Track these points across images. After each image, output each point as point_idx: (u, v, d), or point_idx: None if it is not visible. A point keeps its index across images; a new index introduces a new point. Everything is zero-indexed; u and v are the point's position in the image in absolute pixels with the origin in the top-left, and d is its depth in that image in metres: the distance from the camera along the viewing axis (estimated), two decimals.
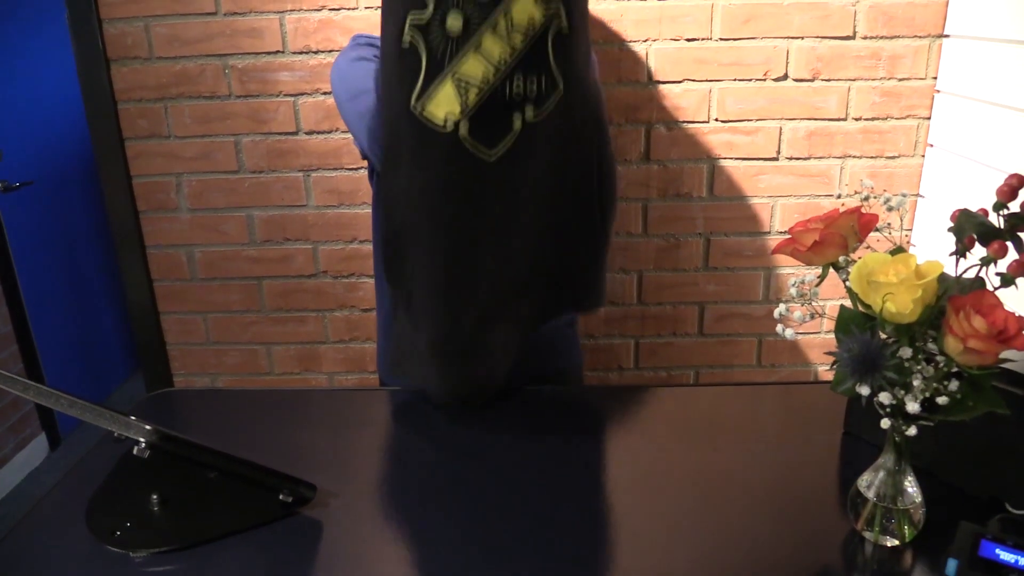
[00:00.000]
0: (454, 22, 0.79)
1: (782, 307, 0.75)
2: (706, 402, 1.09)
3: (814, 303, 0.75)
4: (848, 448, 0.96)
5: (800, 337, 1.95)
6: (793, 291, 0.75)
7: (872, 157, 1.82)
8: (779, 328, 0.75)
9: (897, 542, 0.77)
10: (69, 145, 3.05)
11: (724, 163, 1.82)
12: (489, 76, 0.78)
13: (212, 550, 0.79)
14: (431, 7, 0.80)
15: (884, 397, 0.68)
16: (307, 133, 1.79)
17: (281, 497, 0.84)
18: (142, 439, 0.70)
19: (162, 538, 0.81)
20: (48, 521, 0.87)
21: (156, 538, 0.81)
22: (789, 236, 0.79)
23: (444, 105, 0.79)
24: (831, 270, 0.76)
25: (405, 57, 0.80)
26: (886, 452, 0.77)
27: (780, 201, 1.85)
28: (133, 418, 0.69)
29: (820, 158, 1.82)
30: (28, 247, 2.83)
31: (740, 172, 1.83)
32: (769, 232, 1.87)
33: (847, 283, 0.72)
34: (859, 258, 0.71)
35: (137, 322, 1.96)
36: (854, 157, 1.82)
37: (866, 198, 0.76)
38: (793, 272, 1.88)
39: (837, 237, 0.73)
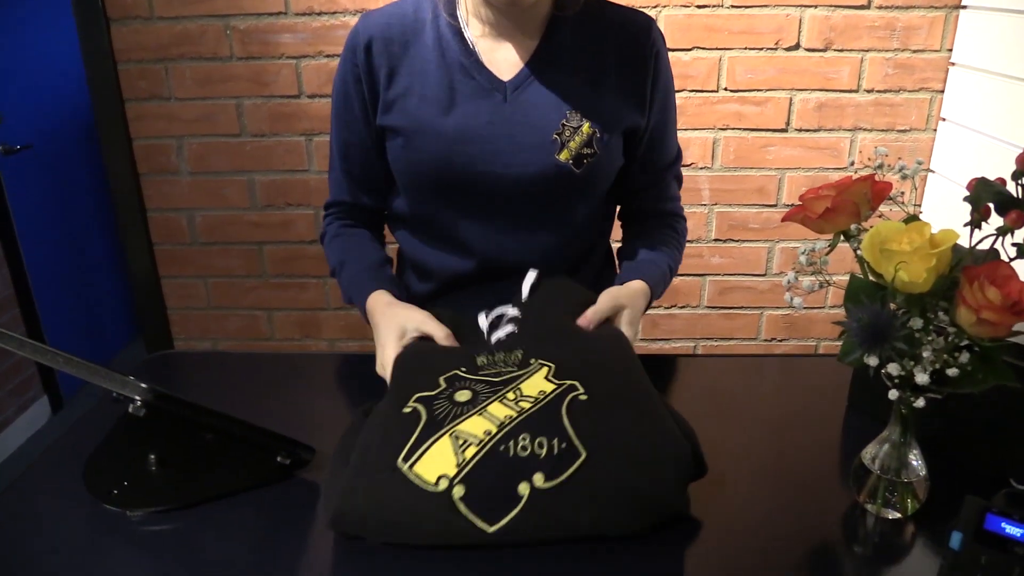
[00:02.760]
0: (463, 396, 0.75)
1: (791, 275, 0.73)
2: (708, 374, 1.08)
3: (823, 273, 0.74)
4: (851, 421, 0.95)
5: (804, 312, 1.94)
6: (803, 259, 0.73)
7: (883, 130, 1.79)
8: (787, 296, 0.74)
9: (899, 515, 0.76)
10: (70, 107, 3.01)
11: (732, 134, 1.79)
12: (492, 431, 0.69)
13: (208, 510, 0.79)
14: (442, 387, 0.77)
15: (893, 368, 0.66)
16: (309, 96, 1.77)
17: (279, 459, 0.83)
18: (138, 397, 0.69)
19: (158, 497, 0.80)
20: (46, 479, 0.86)
21: (152, 497, 0.80)
22: (799, 204, 0.77)
23: (438, 464, 0.67)
24: (842, 239, 0.75)
25: (402, 420, 0.73)
26: (892, 424, 0.76)
27: (788, 173, 1.83)
28: (131, 377, 0.69)
29: (830, 130, 1.79)
30: (29, 210, 2.81)
31: (748, 143, 1.80)
32: (776, 205, 1.85)
33: (858, 252, 0.71)
34: (870, 227, 0.69)
35: (137, 286, 1.95)
36: (865, 130, 1.79)
37: (880, 166, 0.74)
38: (800, 246, 1.86)
39: (849, 205, 0.72)
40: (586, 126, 0.93)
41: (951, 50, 1.72)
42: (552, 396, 0.72)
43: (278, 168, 1.83)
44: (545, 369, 0.76)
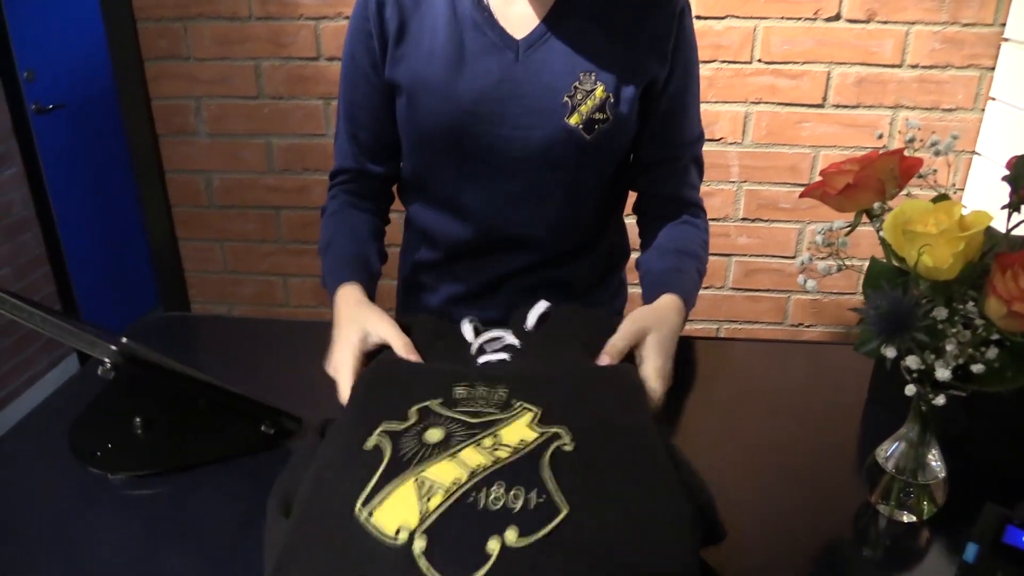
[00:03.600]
0: (434, 435, 0.65)
1: (805, 256, 0.68)
2: (729, 357, 1.03)
3: (843, 255, 0.68)
4: (871, 415, 0.90)
5: (832, 297, 1.86)
6: (819, 239, 0.68)
7: (927, 108, 1.69)
8: (800, 279, 0.68)
9: (914, 518, 0.71)
10: (100, 67, 3.02)
11: (765, 108, 1.71)
12: (461, 479, 0.60)
13: (191, 476, 0.77)
14: (412, 420, 0.67)
15: (912, 361, 0.61)
16: (328, 59, 1.73)
17: (263, 428, 0.81)
18: (107, 359, 0.67)
19: (141, 461, 0.79)
20: (32, 438, 0.85)
21: (135, 461, 0.79)
22: (820, 180, 0.71)
23: (399, 512, 0.58)
24: (864, 218, 0.69)
25: (363, 457, 0.64)
26: (909, 422, 0.71)
27: (823, 152, 1.74)
28: (100, 339, 0.66)
29: (870, 107, 1.70)
30: (61, 170, 2.83)
31: (781, 118, 1.72)
32: (808, 184, 1.77)
33: (880, 233, 0.65)
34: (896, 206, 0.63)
35: (156, 248, 1.95)
36: (907, 108, 1.69)
37: (911, 140, 0.68)
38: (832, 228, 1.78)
39: (873, 181, 0.66)
40: (599, 89, 0.88)
41: (1004, 24, 1.61)
42: (533, 445, 0.63)
43: (296, 132, 1.80)
44: (529, 415, 0.67)
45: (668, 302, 0.87)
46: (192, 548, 0.69)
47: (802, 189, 1.77)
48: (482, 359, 0.81)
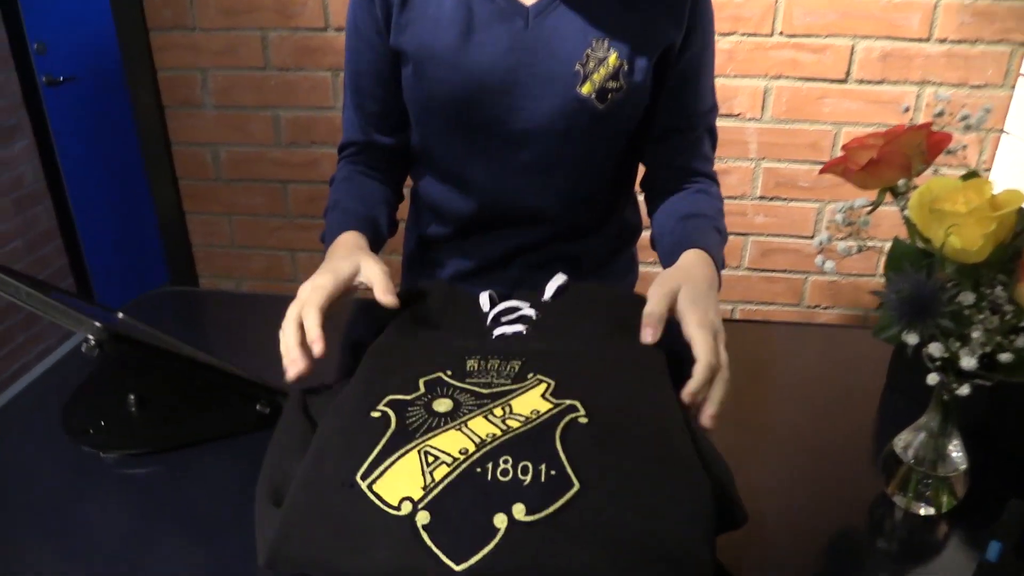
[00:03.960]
0: (442, 405, 0.62)
1: (823, 235, 0.64)
2: (743, 339, 0.99)
3: (864, 235, 0.64)
4: (888, 403, 0.86)
5: (851, 279, 1.81)
6: (839, 217, 0.64)
7: (955, 85, 1.63)
8: (818, 259, 0.65)
9: (932, 511, 0.68)
10: (110, 38, 3.00)
11: (785, 83, 1.65)
12: (469, 450, 0.57)
13: (185, 455, 0.75)
14: (421, 391, 0.64)
15: (935, 348, 0.57)
16: (336, 29, 1.69)
17: (258, 408, 0.79)
18: (91, 336, 0.64)
19: (134, 440, 0.77)
20: (25, 415, 0.83)
21: (128, 440, 0.77)
22: (842, 155, 0.67)
23: (402, 483, 0.55)
24: (888, 197, 0.65)
25: (367, 425, 0.61)
26: (930, 411, 0.67)
27: (845, 128, 1.69)
28: (87, 316, 0.64)
29: (895, 83, 1.64)
30: (73, 143, 2.82)
31: (803, 94, 1.66)
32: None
33: (905, 212, 0.61)
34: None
35: (163, 221, 1.93)
36: (934, 84, 1.63)
37: (940, 113, 0.64)
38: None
39: (899, 156, 0.62)
40: (613, 57, 0.84)
41: None
42: (546, 416, 0.60)
43: (303, 104, 1.77)
44: (543, 386, 0.64)
45: (691, 257, 0.82)
46: (185, 528, 0.67)
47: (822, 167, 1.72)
48: (497, 331, 0.78)
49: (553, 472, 0.55)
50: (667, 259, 0.87)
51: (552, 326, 0.78)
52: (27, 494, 0.70)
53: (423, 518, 0.53)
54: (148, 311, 1.07)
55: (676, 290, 0.74)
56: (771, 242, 1.81)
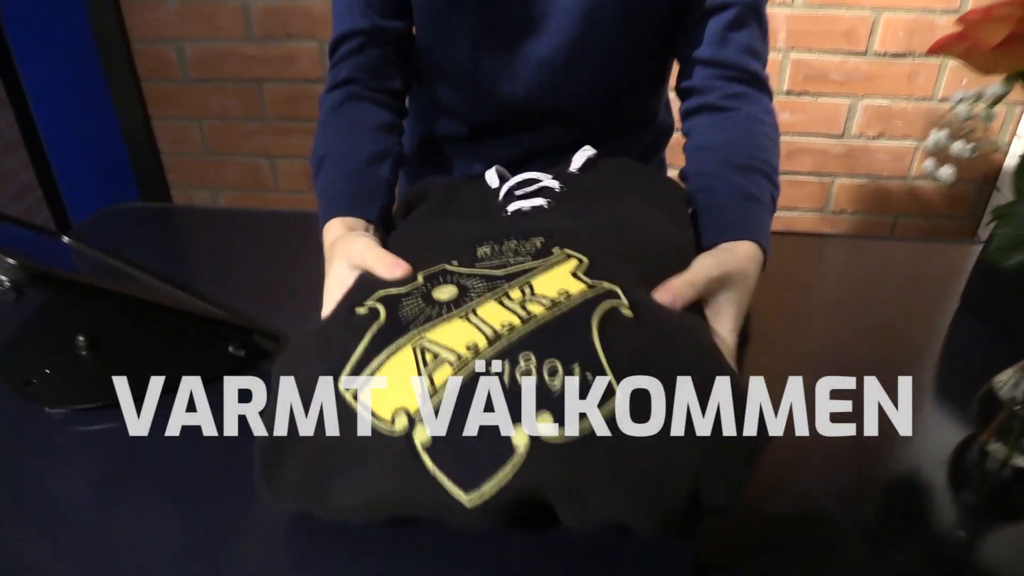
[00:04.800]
0: (444, 292, 0.48)
1: (939, 134, 0.50)
2: (778, 253, 0.87)
3: (982, 133, 0.51)
4: (961, 327, 0.74)
5: (881, 181, 1.67)
6: (961, 109, 0.50)
7: None
8: (927, 164, 0.51)
9: None
10: None
11: None
12: (478, 345, 0.44)
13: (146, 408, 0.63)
14: (419, 280, 0.50)
15: None
16: None
17: (231, 350, 0.66)
18: (4, 278, 0.51)
19: (83, 393, 0.65)
20: None
21: (77, 392, 0.65)
22: (959, 30, 0.52)
23: (394, 390, 0.43)
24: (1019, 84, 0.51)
25: (350, 323, 0.48)
26: None
27: (885, 15, 1.51)
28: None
29: None
30: (31, 46, 2.60)
31: None
32: (866, 53, 1.54)
33: None
34: None
35: (127, 128, 1.76)
36: None
37: None
38: (889, 104, 1.57)
39: None
40: None
41: None
42: (580, 300, 0.46)
43: None
44: (574, 262, 0.50)
45: (751, 252, 0.66)
46: (152, 490, 0.56)
47: (857, 58, 1.54)
48: (513, 206, 0.63)
49: (588, 375, 0.42)
50: (710, 228, 0.69)
51: (580, 200, 0.63)
52: None
53: (421, 436, 0.41)
54: (101, 231, 0.93)
55: (724, 283, 0.59)
56: (797, 142, 1.66)
